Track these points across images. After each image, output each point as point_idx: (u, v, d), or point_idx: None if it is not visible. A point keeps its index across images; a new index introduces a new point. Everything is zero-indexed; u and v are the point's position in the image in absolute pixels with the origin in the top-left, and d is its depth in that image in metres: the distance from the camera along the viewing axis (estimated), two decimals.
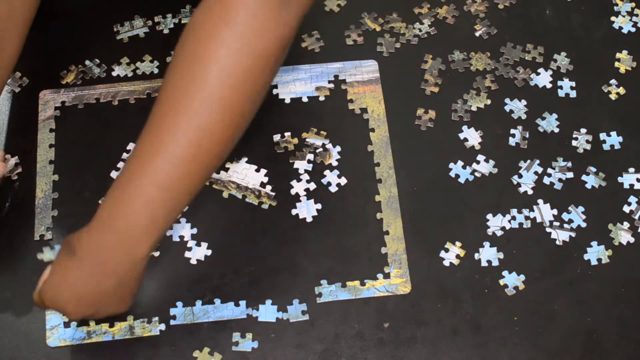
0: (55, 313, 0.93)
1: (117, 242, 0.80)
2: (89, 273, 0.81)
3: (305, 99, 1.06)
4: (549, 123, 1.06)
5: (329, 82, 1.08)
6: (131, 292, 0.84)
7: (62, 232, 0.98)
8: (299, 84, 1.07)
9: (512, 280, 0.96)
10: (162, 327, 0.93)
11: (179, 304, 0.94)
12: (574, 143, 1.04)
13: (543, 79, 1.09)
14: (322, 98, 1.07)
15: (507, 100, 1.07)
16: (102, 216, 0.80)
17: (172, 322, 0.93)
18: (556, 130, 1.05)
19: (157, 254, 0.97)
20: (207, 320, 0.94)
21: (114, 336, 0.93)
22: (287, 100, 1.06)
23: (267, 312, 0.94)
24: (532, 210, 1.00)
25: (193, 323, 0.93)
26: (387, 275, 0.96)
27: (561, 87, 1.08)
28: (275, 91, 1.06)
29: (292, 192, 1.01)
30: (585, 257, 0.98)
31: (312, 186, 1.01)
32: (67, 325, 0.93)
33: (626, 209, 1.00)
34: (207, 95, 0.75)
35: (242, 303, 0.94)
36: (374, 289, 0.96)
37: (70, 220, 0.98)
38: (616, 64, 1.10)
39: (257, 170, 1.02)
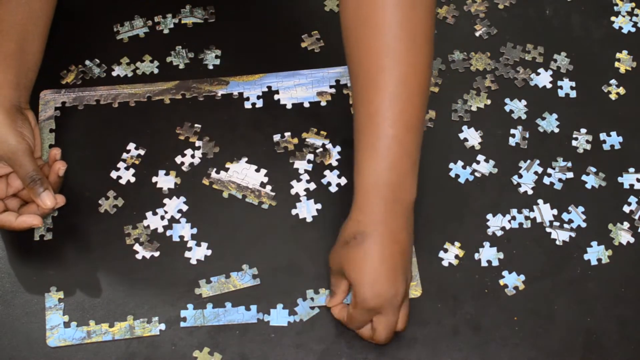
0: (56, 313, 0.93)
1: (392, 199, 0.86)
2: (387, 248, 0.86)
3: (306, 104, 1.06)
4: (549, 123, 1.06)
5: (331, 87, 1.07)
6: (411, 255, 0.90)
7: (62, 232, 0.98)
8: (300, 90, 1.07)
9: (512, 280, 0.96)
10: (162, 327, 0.93)
11: (190, 306, 0.94)
12: (574, 143, 1.04)
13: (543, 79, 1.09)
14: (323, 103, 1.06)
15: (507, 100, 1.07)
16: (363, 192, 0.87)
17: (182, 324, 0.93)
18: (556, 130, 1.05)
19: (157, 254, 0.97)
20: (218, 323, 0.93)
21: (114, 336, 0.93)
22: (289, 106, 1.06)
23: (279, 316, 0.94)
24: (532, 210, 1.00)
25: (202, 326, 0.94)
26: None
27: (561, 87, 1.08)
28: (276, 97, 1.06)
29: (292, 192, 1.01)
30: (585, 257, 0.98)
31: (312, 186, 1.01)
32: (67, 325, 0.93)
33: (626, 209, 1.00)
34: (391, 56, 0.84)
35: (253, 307, 0.94)
36: None
37: (70, 221, 0.98)
38: (616, 64, 1.10)
39: (257, 170, 1.02)
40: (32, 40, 0.98)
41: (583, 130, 1.05)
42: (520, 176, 1.02)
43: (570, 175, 1.02)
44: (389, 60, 0.85)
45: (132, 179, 1.01)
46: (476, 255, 0.98)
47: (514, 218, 1.00)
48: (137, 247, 0.97)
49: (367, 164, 0.87)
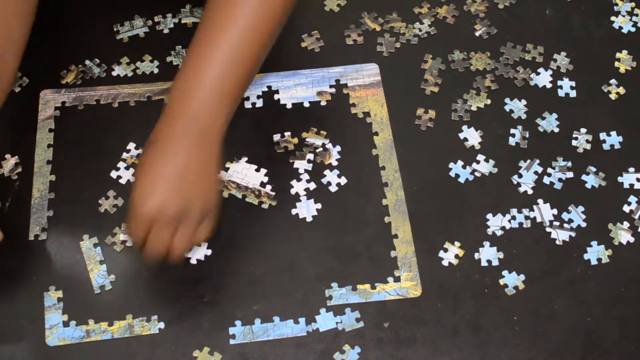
0: (55, 312, 0.93)
1: (195, 119, 0.86)
2: (174, 158, 0.86)
3: (306, 104, 1.06)
4: (549, 123, 1.06)
5: (330, 86, 1.07)
6: (214, 177, 0.88)
7: (57, 232, 0.98)
8: (300, 89, 1.07)
9: (512, 280, 0.96)
10: (162, 325, 0.93)
11: (238, 322, 0.94)
12: (574, 143, 1.04)
13: (543, 78, 1.09)
14: (323, 103, 1.06)
15: (507, 100, 1.07)
16: (175, 100, 0.87)
17: (231, 342, 0.93)
18: (556, 130, 1.05)
19: None
20: (267, 338, 0.93)
21: (113, 335, 0.93)
22: (289, 106, 1.06)
23: (326, 321, 0.94)
24: (532, 210, 1.00)
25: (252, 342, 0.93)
26: (397, 279, 0.96)
27: (561, 87, 1.08)
28: (276, 96, 1.06)
29: (292, 192, 1.01)
30: (585, 257, 0.98)
31: (312, 186, 1.01)
32: (66, 324, 0.93)
33: (626, 208, 1.00)
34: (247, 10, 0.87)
35: (302, 320, 0.94)
36: (385, 292, 0.95)
37: (66, 221, 0.98)
38: (616, 64, 1.10)
39: (257, 170, 1.02)
40: (9, 60, 0.91)
41: (583, 130, 1.05)
42: (520, 176, 1.02)
43: (570, 175, 1.02)
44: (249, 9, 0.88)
45: (132, 179, 1.01)
46: (476, 255, 0.98)
47: (514, 218, 1.00)
48: (124, 236, 0.98)
49: (192, 80, 0.87)
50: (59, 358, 0.92)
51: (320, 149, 1.03)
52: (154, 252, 0.88)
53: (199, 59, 0.87)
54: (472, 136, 1.05)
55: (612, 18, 1.13)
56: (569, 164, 1.03)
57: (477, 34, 1.12)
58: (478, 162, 1.03)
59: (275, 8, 0.89)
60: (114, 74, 1.08)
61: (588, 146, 1.04)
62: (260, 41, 0.89)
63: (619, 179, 1.02)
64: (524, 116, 1.06)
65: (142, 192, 0.85)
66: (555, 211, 1.00)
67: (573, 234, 0.99)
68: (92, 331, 0.93)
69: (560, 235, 0.99)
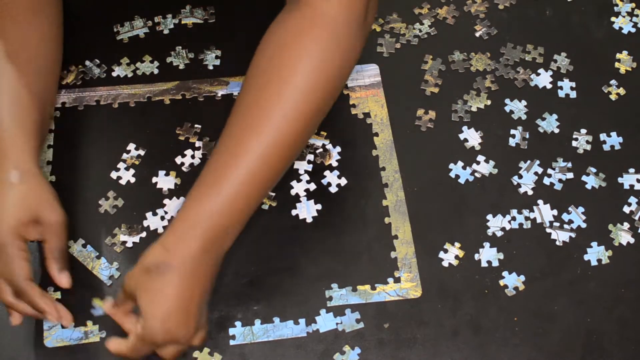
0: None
1: (208, 242, 0.82)
2: (188, 282, 0.82)
3: None
4: (549, 123, 1.06)
5: None
6: (206, 301, 0.85)
7: None
8: None
9: (512, 281, 0.96)
10: None
11: (238, 323, 0.94)
12: (574, 143, 1.04)
13: (543, 79, 1.09)
14: None
15: (507, 101, 1.07)
16: (186, 220, 0.83)
17: (231, 342, 0.93)
18: (556, 130, 1.05)
19: (137, 239, 0.97)
20: (267, 339, 0.93)
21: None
22: None
23: (326, 322, 0.94)
24: (532, 210, 1.00)
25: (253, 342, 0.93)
26: (397, 280, 0.96)
27: (561, 88, 1.08)
28: None
29: (292, 192, 1.01)
30: (585, 257, 0.98)
31: (312, 186, 1.01)
32: (64, 325, 0.93)
33: (626, 209, 1.00)
34: (285, 111, 0.83)
35: (302, 321, 0.94)
36: (385, 293, 0.95)
37: (70, 221, 0.98)
38: (616, 65, 1.10)
39: None
40: (50, 107, 0.97)
41: (583, 131, 1.05)
42: (521, 176, 1.02)
43: (570, 175, 1.02)
44: (278, 117, 0.83)
45: (132, 179, 1.01)
46: (476, 256, 0.98)
47: (514, 218, 1.00)
48: (124, 237, 0.97)
49: (205, 197, 0.83)
50: (58, 359, 0.91)
51: (321, 150, 1.03)
52: None
53: (219, 183, 0.83)
54: (472, 137, 1.05)
55: (612, 18, 1.13)
56: (569, 164, 1.03)
57: (477, 34, 1.12)
58: (478, 162, 1.03)
59: (304, 130, 0.86)
60: (114, 74, 1.08)
61: (588, 147, 1.04)
62: (285, 160, 0.86)
63: (619, 179, 1.02)
64: (524, 117, 1.06)
65: (159, 322, 0.82)
66: (555, 212, 1.00)
67: (573, 235, 0.99)
68: (90, 332, 0.93)
69: (561, 236, 0.99)
